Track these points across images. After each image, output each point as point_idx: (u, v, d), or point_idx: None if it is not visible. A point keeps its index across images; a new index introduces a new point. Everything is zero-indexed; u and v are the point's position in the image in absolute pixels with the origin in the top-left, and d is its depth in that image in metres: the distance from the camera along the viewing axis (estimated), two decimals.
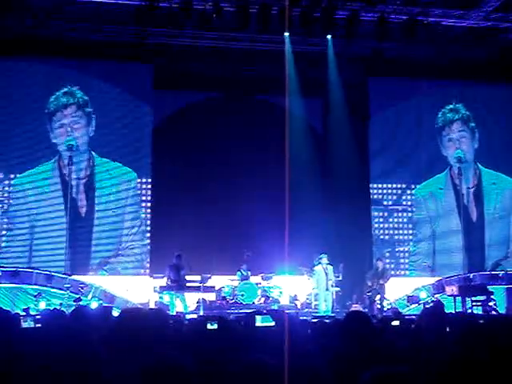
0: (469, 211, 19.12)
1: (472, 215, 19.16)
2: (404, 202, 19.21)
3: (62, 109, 17.59)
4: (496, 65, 18.71)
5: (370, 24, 16.63)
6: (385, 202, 19.19)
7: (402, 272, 18.63)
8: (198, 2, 15.63)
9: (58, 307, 14.48)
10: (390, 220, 19.14)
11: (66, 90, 17.66)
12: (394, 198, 19.24)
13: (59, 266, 16.66)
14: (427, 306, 12.70)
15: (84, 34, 16.88)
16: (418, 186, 19.16)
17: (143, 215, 17.94)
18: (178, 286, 15.56)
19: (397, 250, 18.89)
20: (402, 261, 18.80)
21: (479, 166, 19.42)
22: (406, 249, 18.91)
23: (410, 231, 19.09)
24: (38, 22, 16.38)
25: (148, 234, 17.86)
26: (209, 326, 4.46)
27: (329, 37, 17.54)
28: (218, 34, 17.12)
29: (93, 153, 17.76)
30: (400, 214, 19.18)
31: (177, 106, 18.92)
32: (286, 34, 16.98)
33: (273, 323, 5.50)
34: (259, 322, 5.48)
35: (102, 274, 17.21)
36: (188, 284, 15.71)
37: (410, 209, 19.18)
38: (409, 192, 19.25)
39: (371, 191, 19.11)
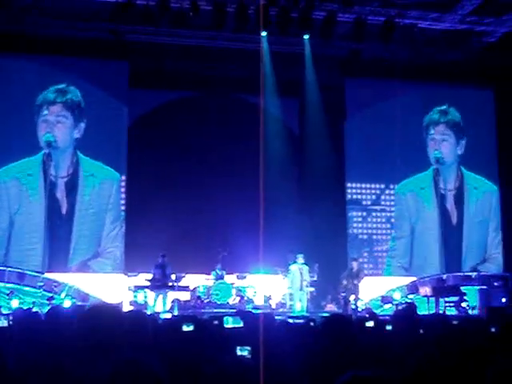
0: (449, 213, 19.26)
1: (452, 217, 19.31)
2: (382, 202, 19.31)
3: (48, 104, 17.41)
4: (472, 67, 18.86)
5: (347, 25, 16.69)
6: (363, 202, 19.26)
7: (380, 271, 18.70)
8: (175, 0, 15.57)
9: (31, 306, 14.41)
10: (369, 220, 19.22)
11: (62, 86, 17.50)
12: (372, 197, 19.31)
13: (35, 264, 16.48)
14: (400, 308, 12.77)
15: (59, 30, 16.71)
16: (400, 184, 19.23)
17: (123, 218, 17.76)
18: (162, 284, 15.60)
19: (375, 249, 18.98)
20: (380, 260, 18.88)
21: (462, 169, 19.57)
22: (384, 248, 19.00)
23: (388, 231, 19.19)
24: (12, 17, 16.20)
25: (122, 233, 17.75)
26: (184, 328, 4.43)
27: (306, 37, 17.58)
28: (194, 32, 17.07)
29: (78, 153, 17.59)
30: (378, 214, 19.27)
31: (152, 105, 18.83)
32: (263, 33, 16.97)
33: (241, 324, 5.49)
34: (230, 323, 5.46)
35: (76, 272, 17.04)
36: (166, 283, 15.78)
37: (388, 209, 19.28)
38: (387, 192, 19.34)
39: (347, 191, 19.17)
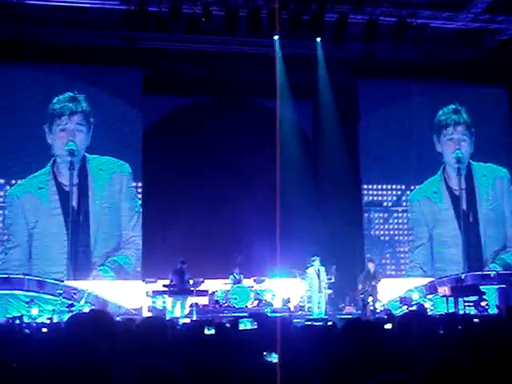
0: (465, 211, 19.15)
1: (468, 214, 19.20)
2: (399, 203, 19.26)
3: (70, 114, 17.50)
4: (485, 66, 18.79)
5: (358, 26, 16.68)
6: (384, 204, 19.23)
7: (403, 272, 18.62)
8: (187, 6, 15.63)
9: (50, 313, 14.53)
10: (390, 221, 19.18)
11: (71, 94, 17.58)
12: (392, 198, 19.28)
13: (60, 272, 16.59)
14: (410, 309, 12.71)
15: (73, 39, 16.84)
16: (412, 191, 19.22)
17: (139, 207, 17.80)
18: (180, 290, 15.66)
19: (397, 250, 18.94)
20: (402, 261, 18.83)
21: (471, 162, 19.52)
22: (406, 249, 18.95)
23: (405, 232, 19.13)
24: (27, 28, 16.34)
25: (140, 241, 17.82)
26: (206, 332, 4.46)
27: (318, 39, 17.60)
28: (207, 37, 17.15)
29: (86, 155, 17.72)
30: (396, 215, 19.23)
31: (166, 110, 18.89)
32: (276, 37, 17.01)
33: (255, 326, 5.50)
34: (242, 325, 5.48)
35: (104, 271, 17.12)
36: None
37: (401, 209, 19.24)
38: (399, 193, 19.31)
39: (364, 193, 19.16)
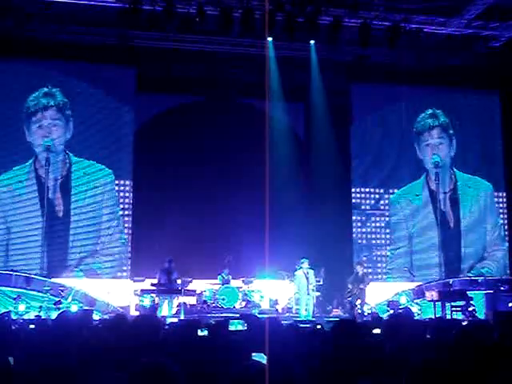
0: (446, 217, 19.29)
1: (449, 220, 19.34)
2: (382, 207, 19.36)
3: (43, 110, 17.48)
4: (478, 71, 18.88)
5: (352, 30, 16.72)
6: (362, 207, 19.31)
7: (379, 276, 18.71)
8: (182, 5, 15.62)
9: (37, 310, 14.47)
10: (368, 224, 19.27)
11: (46, 90, 17.53)
12: (373, 202, 19.36)
13: (35, 269, 16.55)
14: (395, 313, 12.72)
15: (67, 36, 16.82)
16: (394, 193, 19.30)
17: (120, 212, 17.85)
18: (168, 289, 15.65)
19: (374, 253, 19.00)
20: (379, 265, 18.89)
21: (455, 170, 19.61)
22: (384, 253, 19.05)
23: (388, 236, 19.23)
24: (21, 23, 16.29)
25: (126, 236, 17.79)
26: (199, 333, 4.46)
27: (312, 42, 17.63)
28: (200, 37, 17.14)
29: (69, 153, 17.66)
30: (378, 219, 19.31)
31: (159, 109, 18.86)
32: (269, 38, 17.03)
33: (245, 327, 5.51)
34: (233, 326, 5.49)
35: (78, 274, 17.11)
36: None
37: (387, 213, 19.33)
38: (386, 196, 19.39)
39: (353, 196, 19.22)
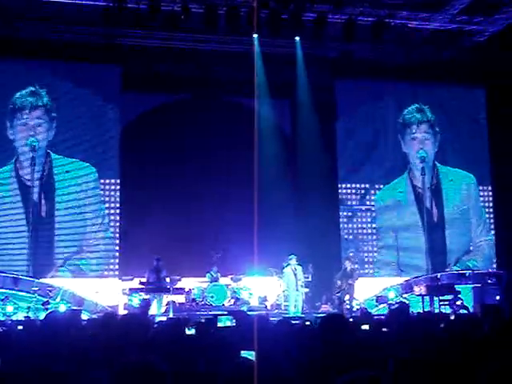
0: (430, 211, 19.36)
1: (433, 214, 19.41)
2: (367, 202, 19.41)
3: (30, 109, 17.38)
4: (463, 66, 18.96)
5: (337, 26, 16.75)
6: (349, 202, 19.36)
7: (366, 271, 18.75)
8: (166, 3, 15.59)
9: (26, 311, 14.41)
10: (355, 220, 19.31)
11: (33, 89, 17.42)
12: (359, 197, 19.42)
13: (21, 270, 16.44)
14: (392, 308, 12.80)
15: (52, 34, 16.74)
16: (380, 189, 19.35)
17: (106, 211, 17.79)
18: (156, 288, 15.63)
19: (360, 249, 19.04)
20: (365, 260, 18.92)
21: (437, 164, 19.69)
22: (370, 248, 19.10)
23: (374, 231, 19.28)
24: (6, 22, 16.20)
25: (112, 235, 17.75)
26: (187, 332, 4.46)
27: (297, 38, 17.63)
28: (186, 35, 17.10)
29: (50, 153, 17.57)
30: (364, 214, 19.35)
31: (145, 108, 18.80)
32: (255, 35, 17.02)
33: (233, 323, 5.50)
34: (221, 323, 5.49)
35: (63, 272, 17.03)
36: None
37: (373, 208, 19.38)
38: (372, 192, 19.44)
39: (340, 191, 19.26)
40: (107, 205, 17.88)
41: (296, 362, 4.29)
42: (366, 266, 18.94)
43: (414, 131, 19.61)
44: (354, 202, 19.40)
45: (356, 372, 2.74)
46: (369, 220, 19.36)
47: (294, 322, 9.39)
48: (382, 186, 19.44)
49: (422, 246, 18.92)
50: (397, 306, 11.34)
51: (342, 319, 5.08)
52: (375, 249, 19.15)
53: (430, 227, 19.10)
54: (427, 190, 19.38)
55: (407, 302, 14.92)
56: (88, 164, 17.68)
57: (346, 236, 19.12)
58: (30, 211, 16.91)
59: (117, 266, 17.65)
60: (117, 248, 17.74)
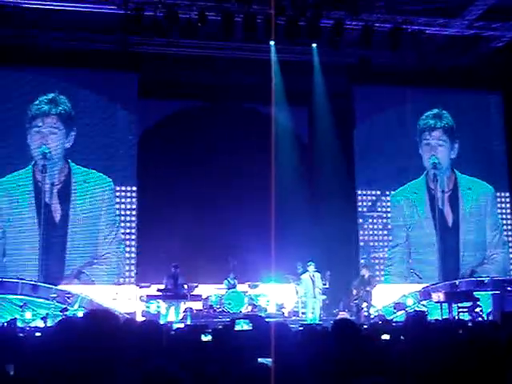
0: (444, 216, 19.20)
1: (447, 220, 19.25)
2: (384, 209, 19.31)
3: (43, 116, 17.49)
4: (479, 72, 18.87)
5: (354, 33, 16.72)
6: (365, 209, 19.26)
7: (377, 278, 18.62)
8: (183, 10, 15.64)
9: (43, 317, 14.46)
10: (371, 227, 19.22)
11: (52, 96, 17.54)
12: (378, 204, 19.32)
13: (32, 275, 16.48)
14: (410, 315, 12.74)
15: (69, 42, 16.88)
16: (394, 192, 19.24)
17: (122, 224, 17.79)
18: (174, 294, 15.64)
19: (372, 256, 18.93)
20: (377, 267, 18.78)
21: (456, 171, 19.55)
22: (381, 255, 18.97)
23: (385, 237, 19.15)
24: (23, 31, 16.35)
25: (128, 248, 17.73)
26: (203, 338, 4.46)
27: (314, 45, 17.62)
28: (203, 42, 17.15)
29: (69, 161, 17.63)
30: (382, 221, 19.25)
31: (162, 115, 18.91)
32: (272, 42, 17.03)
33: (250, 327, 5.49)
34: (239, 326, 5.48)
35: (72, 280, 17.06)
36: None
37: (389, 215, 19.25)
38: (389, 199, 19.34)
39: (357, 198, 19.19)
40: (124, 212, 17.90)
41: (314, 369, 4.26)
42: (377, 273, 18.79)
43: (427, 137, 19.52)
44: (373, 209, 19.28)
45: (370, 379, 2.72)
46: (385, 227, 19.23)
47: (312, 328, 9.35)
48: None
49: (434, 251, 18.78)
50: (413, 313, 11.31)
51: (352, 324, 5.05)
52: (387, 255, 18.98)
53: (444, 235, 18.93)
54: (441, 196, 19.24)
55: (424, 310, 14.86)
56: (105, 176, 17.73)
57: (361, 243, 19.03)
58: (44, 217, 16.97)
59: (133, 274, 17.66)
60: (134, 255, 17.75)
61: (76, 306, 15.49)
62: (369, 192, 19.30)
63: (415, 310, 14.60)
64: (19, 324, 13.31)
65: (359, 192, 19.23)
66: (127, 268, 17.65)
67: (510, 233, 19.80)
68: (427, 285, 17.62)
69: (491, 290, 16.68)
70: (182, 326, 12.90)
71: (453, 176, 19.54)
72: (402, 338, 6.37)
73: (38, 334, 9.83)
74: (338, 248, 18.12)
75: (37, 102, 17.47)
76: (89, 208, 17.52)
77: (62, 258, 17.16)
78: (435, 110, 19.55)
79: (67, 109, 17.65)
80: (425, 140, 19.49)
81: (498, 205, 19.81)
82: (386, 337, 6.87)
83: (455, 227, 19.25)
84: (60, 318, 13.77)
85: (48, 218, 17.12)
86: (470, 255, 19.13)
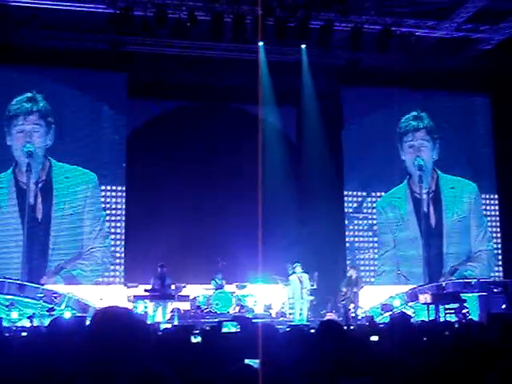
0: (427, 217, 19.28)
1: (431, 220, 19.33)
2: (369, 210, 19.36)
3: (25, 114, 17.40)
4: (468, 75, 18.95)
5: (343, 34, 16.76)
6: (351, 210, 19.31)
7: (367, 279, 18.66)
8: (173, 10, 15.62)
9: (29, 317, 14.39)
10: (357, 228, 19.27)
11: (29, 95, 17.45)
12: (364, 205, 19.38)
13: (15, 274, 16.43)
14: (392, 316, 12.76)
15: (57, 42, 16.80)
16: (380, 199, 19.31)
17: (106, 217, 17.76)
18: (161, 295, 15.60)
19: (357, 257, 18.98)
20: (362, 268, 18.79)
21: (438, 171, 19.62)
22: (367, 256, 19.04)
23: (375, 238, 19.21)
24: (9, 29, 16.27)
25: (113, 242, 17.72)
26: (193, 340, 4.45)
27: (303, 46, 17.65)
28: (192, 42, 17.13)
29: (50, 158, 17.55)
30: (368, 222, 19.30)
31: (151, 115, 18.87)
32: (260, 43, 17.04)
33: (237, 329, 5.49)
34: (226, 328, 5.48)
35: (58, 280, 16.99)
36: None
37: (375, 216, 19.31)
38: (374, 200, 19.39)
39: (345, 199, 19.23)
40: (112, 212, 17.86)
41: (300, 370, 4.27)
42: (363, 273, 18.83)
43: (410, 139, 19.59)
44: (360, 210, 19.34)
45: (356, 379, 2.73)
46: (369, 228, 19.28)
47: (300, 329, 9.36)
48: (384, 194, 19.41)
49: (420, 253, 18.87)
50: (397, 315, 11.34)
51: (337, 325, 5.06)
52: (376, 256, 19.07)
53: (428, 235, 19.04)
54: (426, 198, 19.32)
55: (408, 312, 14.91)
56: (88, 170, 17.66)
57: (347, 244, 19.07)
58: (26, 216, 16.89)
59: (122, 273, 17.62)
60: (122, 255, 17.71)
61: (63, 306, 15.42)
62: (356, 193, 19.34)
63: (400, 312, 14.65)
64: (5, 324, 13.22)
65: (346, 193, 19.27)
66: (114, 267, 17.65)
67: (498, 234, 19.88)
68: (414, 286, 17.68)
69: (478, 292, 16.74)
70: (169, 326, 12.88)
71: (435, 176, 19.61)
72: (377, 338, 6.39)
73: (24, 333, 9.79)
74: (326, 249, 18.13)
75: (14, 102, 17.36)
76: (71, 204, 17.44)
77: (45, 254, 17.09)
78: (414, 113, 19.62)
79: (46, 106, 17.57)
80: (408, 142, 19.54)
81: (487, 207, 19.89)
82: (374, 338, 6.88)
83: (438, 227, 19.32)
84: (47, 318, 13.75)
85: (31, 217, 17.04)
86: (453, 254, 19.21)
